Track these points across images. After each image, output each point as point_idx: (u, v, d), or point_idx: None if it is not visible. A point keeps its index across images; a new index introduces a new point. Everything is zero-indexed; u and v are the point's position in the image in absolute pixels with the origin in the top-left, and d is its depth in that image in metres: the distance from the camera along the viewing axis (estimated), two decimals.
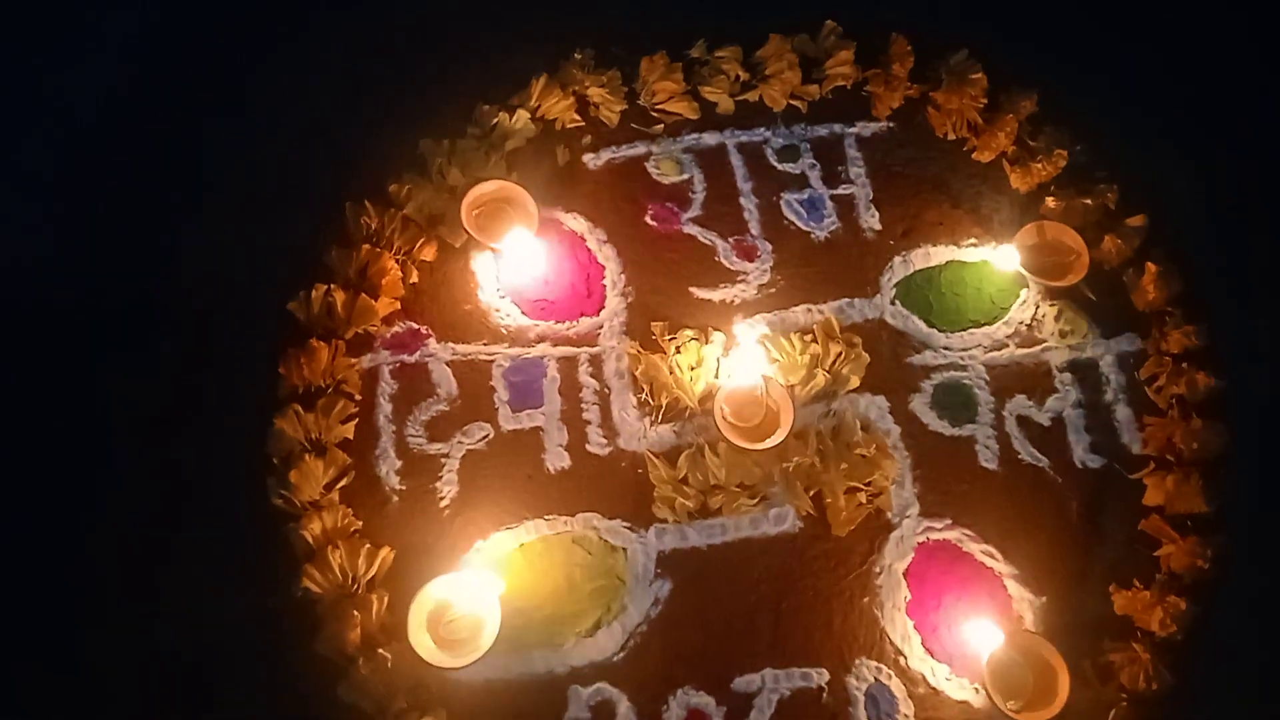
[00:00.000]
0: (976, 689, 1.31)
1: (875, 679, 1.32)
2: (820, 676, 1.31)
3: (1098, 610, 1.36)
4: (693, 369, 1.46)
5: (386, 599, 1.30)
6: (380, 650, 1.26)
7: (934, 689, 1.31)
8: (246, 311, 1.46)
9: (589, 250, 1.56)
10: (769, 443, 1.38)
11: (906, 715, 1.30)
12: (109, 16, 1.72)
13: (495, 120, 1.60)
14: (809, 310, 1.52)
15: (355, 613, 1.27)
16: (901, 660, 1.33)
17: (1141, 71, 1.68)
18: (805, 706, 1.30)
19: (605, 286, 1.53)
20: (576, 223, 1.58)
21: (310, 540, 1.31)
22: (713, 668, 1.31)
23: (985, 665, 1.28)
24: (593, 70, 1.64)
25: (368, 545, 1.32)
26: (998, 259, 1.55)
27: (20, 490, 1.41)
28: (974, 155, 1.64)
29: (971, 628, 1.33)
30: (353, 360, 1.45)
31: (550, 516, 1.38)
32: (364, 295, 1.46)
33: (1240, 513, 1.39)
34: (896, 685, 1.31)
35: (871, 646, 1.33)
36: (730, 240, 1.57)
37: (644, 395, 1.45)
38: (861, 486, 1.40)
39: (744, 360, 1.45)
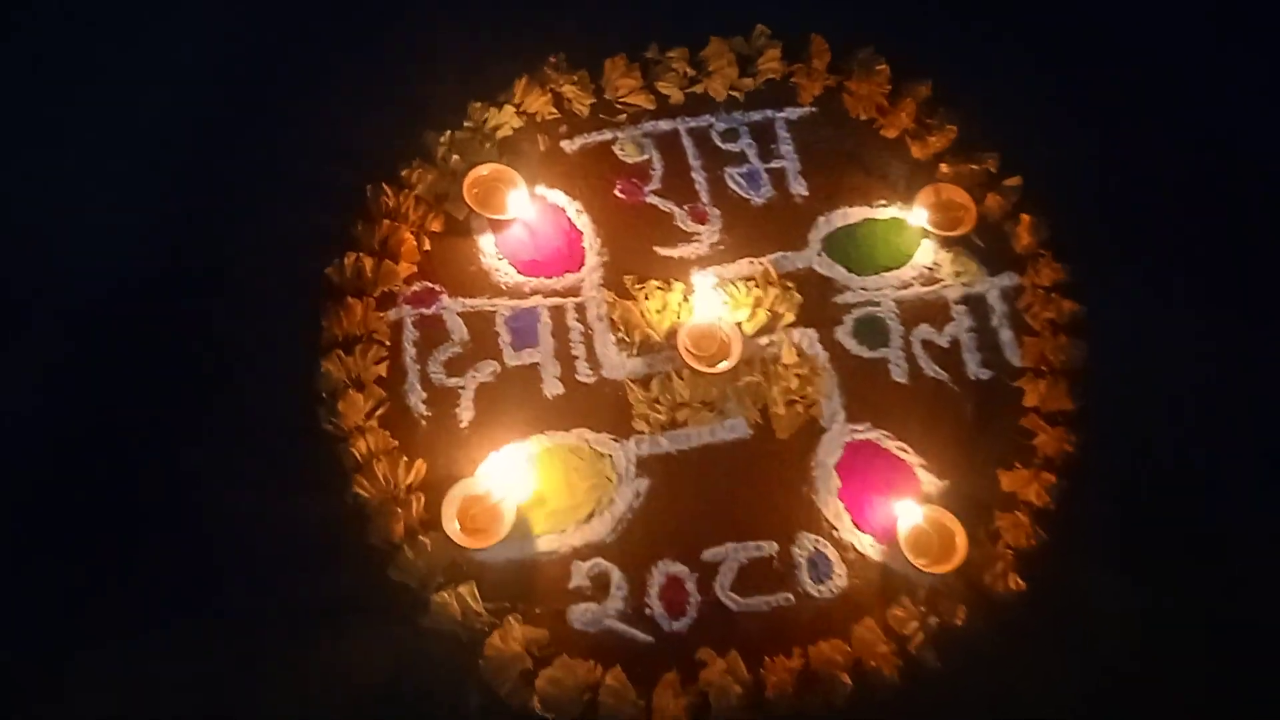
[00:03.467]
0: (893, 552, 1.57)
1: (815, 548, 1.57)
2: (771, 547, 1.56)
3: (988, 488, 1.61)
4: (659, 312, 1.75)
5: (423, 499, 1.59)
6: (420, 538, 1.56)
7: (861, 554, 1.57)
8: (293, 278, 1.71)
9: (569, 220, 1.84)
10: (723, 367, 1.68)
11: (840, 574, 1.56)
12: (177, 41, 1.97)
13: (486, 115, 1.89)
14: (751, 262, 1.80)
15: (398, 510, 1.56)
16: (835, 533, 1.57)
17: (1014, 62, 2.00)
18: (760, 570, 1.55)
19: (585, 249, 1.81)
20: (558, 197, 1.85)
21: (358, 456, 1.59)
22: (685, 543, 1.56)
23: (901, 533, 1.55)
24: (565, 71, 1.94)
25: (405, 458, 1.61)
26: (903, 216, 1.87)
27: (102, 421, 1.64)
28: (881, 132, 1.92)
29: (890, 505, 1.60)
30: (381, 314, 1.71)
31: (550, 432, 1.65)
32: (387, 261, 1.74)
33: (1096, 408, 1.66)
34: (831, 552, 1.56)
35: (811, 523, 1.58)
36: (685, 208, 1.85)
37: (621, 334, 1.74)
38: (799, 399, 1.69)
39: (701, 303, 1.75)
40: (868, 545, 1.59)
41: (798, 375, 1.71)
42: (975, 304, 1.79)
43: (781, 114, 1.95)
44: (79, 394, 1.67)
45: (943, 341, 1.76)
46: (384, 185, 1.77)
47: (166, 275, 1.76)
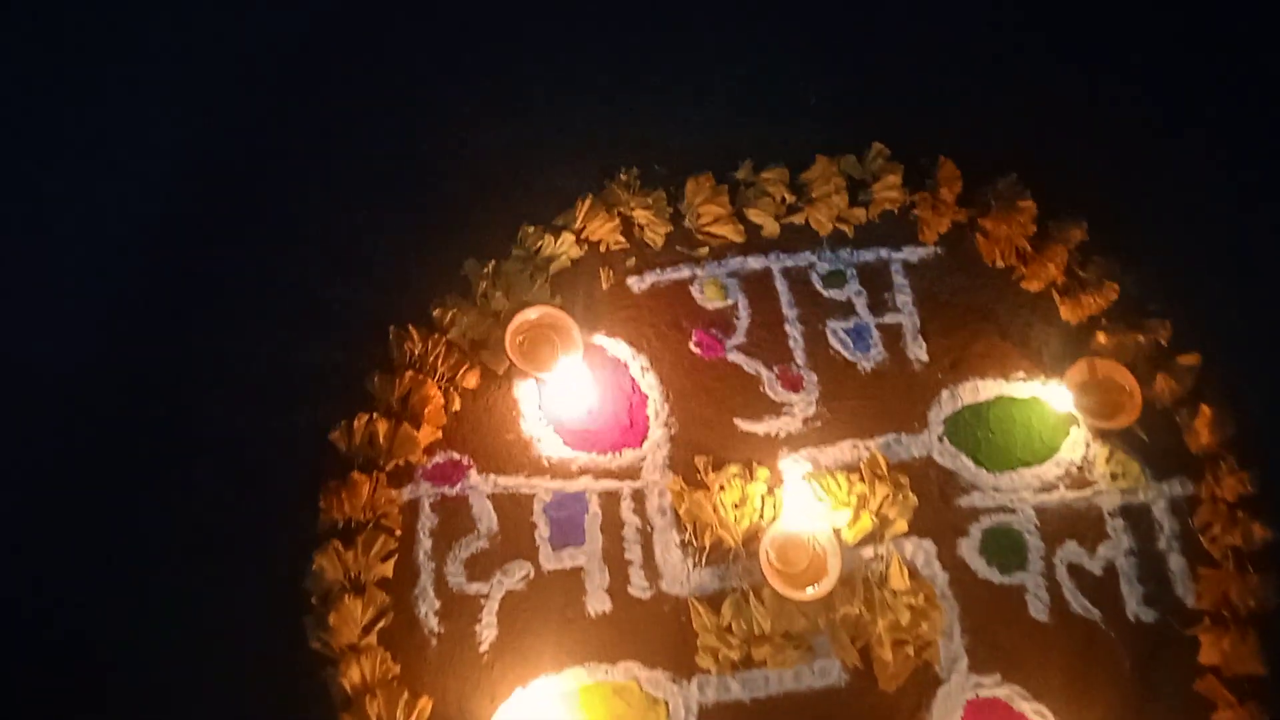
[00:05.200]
0: None
1: None
2: None
3: None
4: (736, 507, 1.43)
5: None
6: None
7: None
8: (286, 439, 1.46)
9: (632, 378, 1.54)
10: (816, 591, 1.36)
11: None
12: (148, 139, 1.73)
13: (540, 242, 1.58)
14: (855, 446, 1.50)
15: None
16: None
17: (1194, 200, 1.66)
18: None
19: (648, 417, 1.51)
20: (620, 349, 1.56)
21: (349, 689, 1.28)
22: None
23: None
24: (638, 191, 1.63)
25: (406, 694, 1.30)
26: (1047, 395, 1.53)
27: (50, 623, 1.39)
28: (1022, 284, 1.61)
29: None
30: (393, 493, 1.43)
31: (591, 664, 1.35)
32: (406, 424, 1.44)
33: None
34: None
35: None
36: (775, 369, 1.55)
37: (687, 535, 1.43)
38: (909, 638, 1.36)
39: (790, 500, 1.42)
40: None
41: (909, 606, 1.38)
42: (1137, 518, 1.47)
43: (899, 255, 1.64)
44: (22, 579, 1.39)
45: (1095, 567, 1.44)
46: (409, 327, 1.51)
47: (119, 430, 1.49)
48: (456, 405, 1.50)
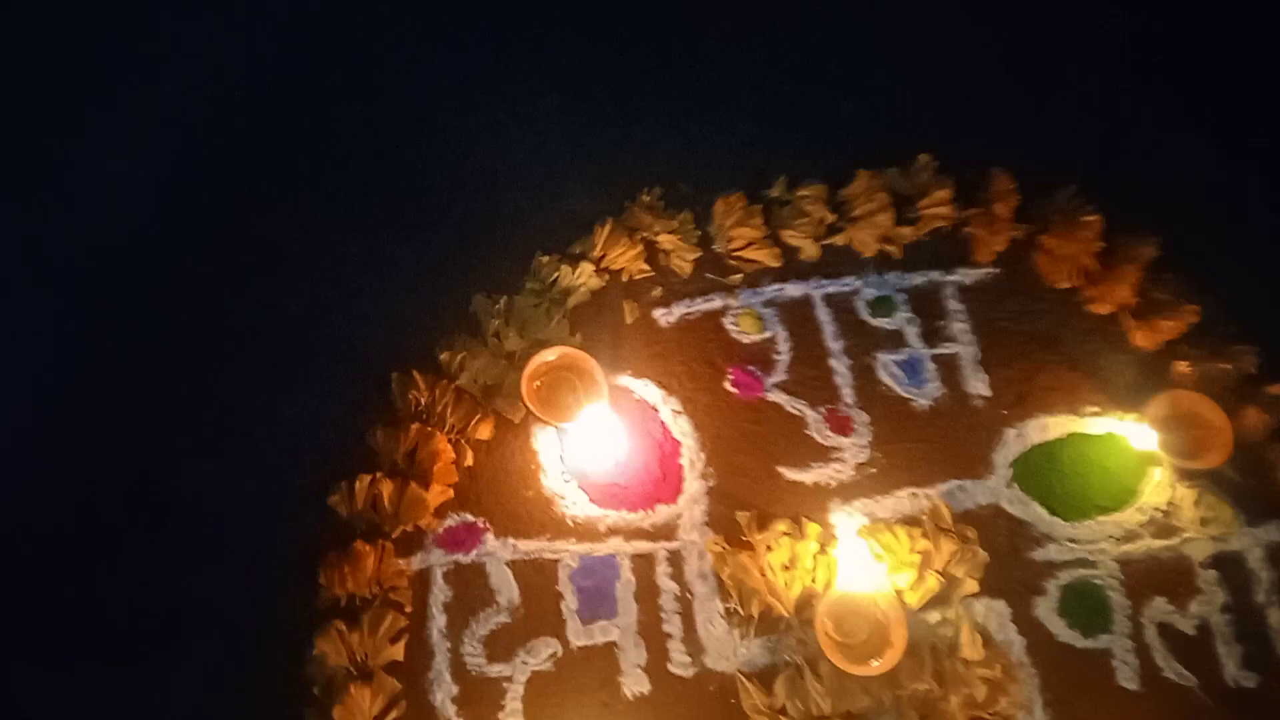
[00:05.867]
0: None
1: None
2: None
3: None
4: (786, 569, 1.28)
5: None
6: None
7: None
8: (277, 506, 1.31)
9: (663, 424, 1.39)
10: (879, 665, 1.21)
11: None
12: (124, 170, 1.59)
13: (556, 273, 1.44)
14: (914, 495, 1.35)
15: None
16: None
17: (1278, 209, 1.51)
18: None
19: (682, 466, 1.36)
20: (648, 390, 1.41)
21: None
22: None
23: None
24: (662, 213, 1.49)
25: None
26: (1124, 431, 1.38)
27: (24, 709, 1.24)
28: (1090, 307, 1.46)
29: None
30: (401, 563, 1.28)
31: None
32: (413, 484, 1.30)
33: None
34: None
35: None
36: (821, 410, 1.40)
37: (732, 603, 1.28)
38: (986, 716, 1.22)
39: (845, 559, 1.28)
40: None
41: (984, 679, 1.23)
42: (1231, 569, 1.33)
43: (952, 277, 1.50)
44: None
45: (1187, 626, 1.30)
46: (414, 373, 1.37)
47: (85, 500, 1.35)
48: (469, 460, 1.36)
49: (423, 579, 1.29)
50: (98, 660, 1.25)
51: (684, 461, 1.37)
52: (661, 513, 1.34)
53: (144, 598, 1.27)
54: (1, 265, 1.52)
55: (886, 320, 1.46)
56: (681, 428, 1.39)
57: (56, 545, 1.30)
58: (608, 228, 1.46)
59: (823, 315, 1.46)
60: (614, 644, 1.26)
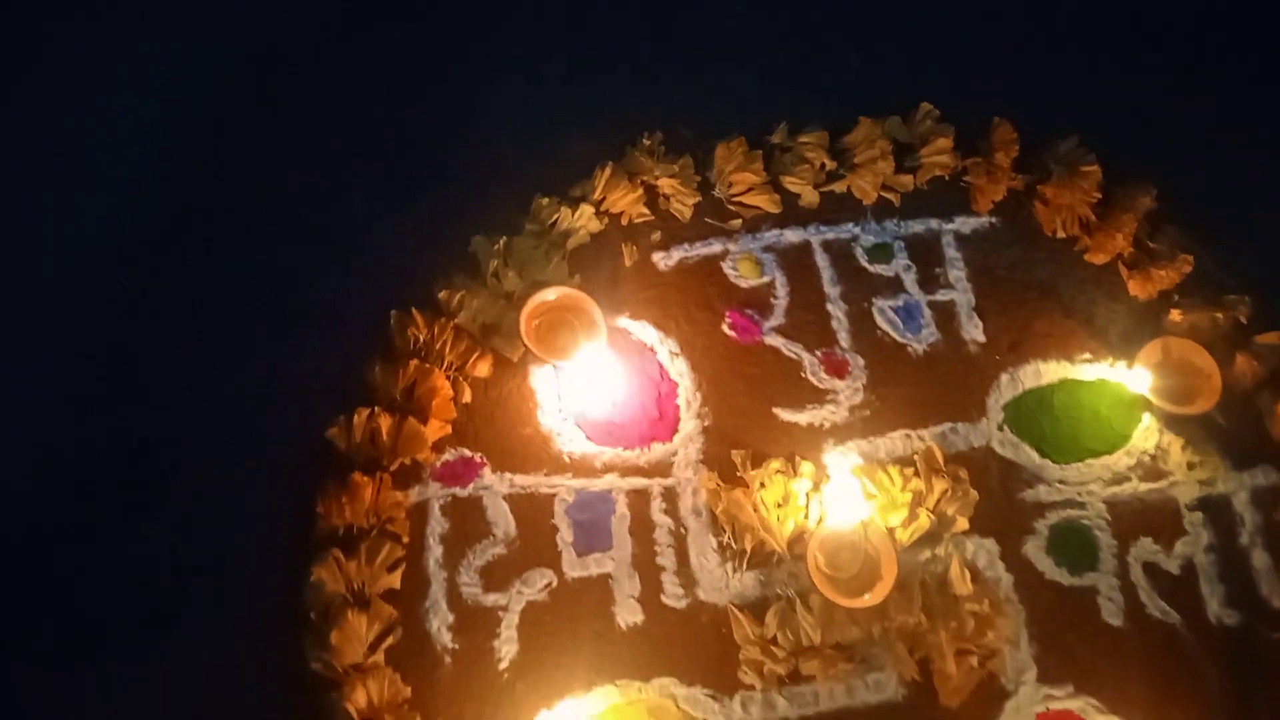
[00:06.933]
0: None
1: None
2: None
3: None
4: (779, 506, 1.30)
5: None
6: None
7: None
8: (278, 441, 1.32)
9: (660, 365, 1.40)
10: (869, 598, 1.23)
11: None
12: (124, 122, 1.58)
13: (555, 215, 1.44)
14: (908, 436, 1.37)
15: None
16: None
17: (1276, 163, 1.52)
18: None
19: (679, 407, 1.38)
20: (645, 332, 1.42)
21: (354, 714, 1.15)
22: None
23: None
24: (662, 158, 1.49)
25: (419, 719, 1.16)
26: (1116, 378, 1.39)
27: (26, 657, 1.25)
28: (1086, 257, 1.48)
29: None
30: (399, 495, 1.29)
31: (622, 682, 1.21)
32: (411, 419, 1.30)
33: None
34: None
35: None
36: (817, 354, 1.41)
37: (725, 537, 1.29)
38: (973, 648, 1.23)
39: (838, 497, 1.29)
40: None
41: (972, 613, 1.24)
42: (1216, 511, 1.35)
43: (951, 225, 1.52)
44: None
45: (1172, 566, 1.32)
46: (413, 311, 1.37)
47: (100, 429, 1.34)
48: (467, 397, 1.36)
49: (420, 511, 1.30)
50: (120, 586, 1.26)
51: (680, 402, 1.38)
52: (657, 450, 1.35)
53: (161, 527, 1.28)
54: (4, 221, 1.52)
55: (884, 267, 1.48)
56: (679, 369, 1.40)
57: (72, 489, 1.31)
58: (608, 171, 1.47)
59: (821, 261, 1.48)
60: (609, 576, 1.27)
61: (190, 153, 1.55)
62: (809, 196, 1.50)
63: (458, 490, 1.32)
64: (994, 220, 1.50)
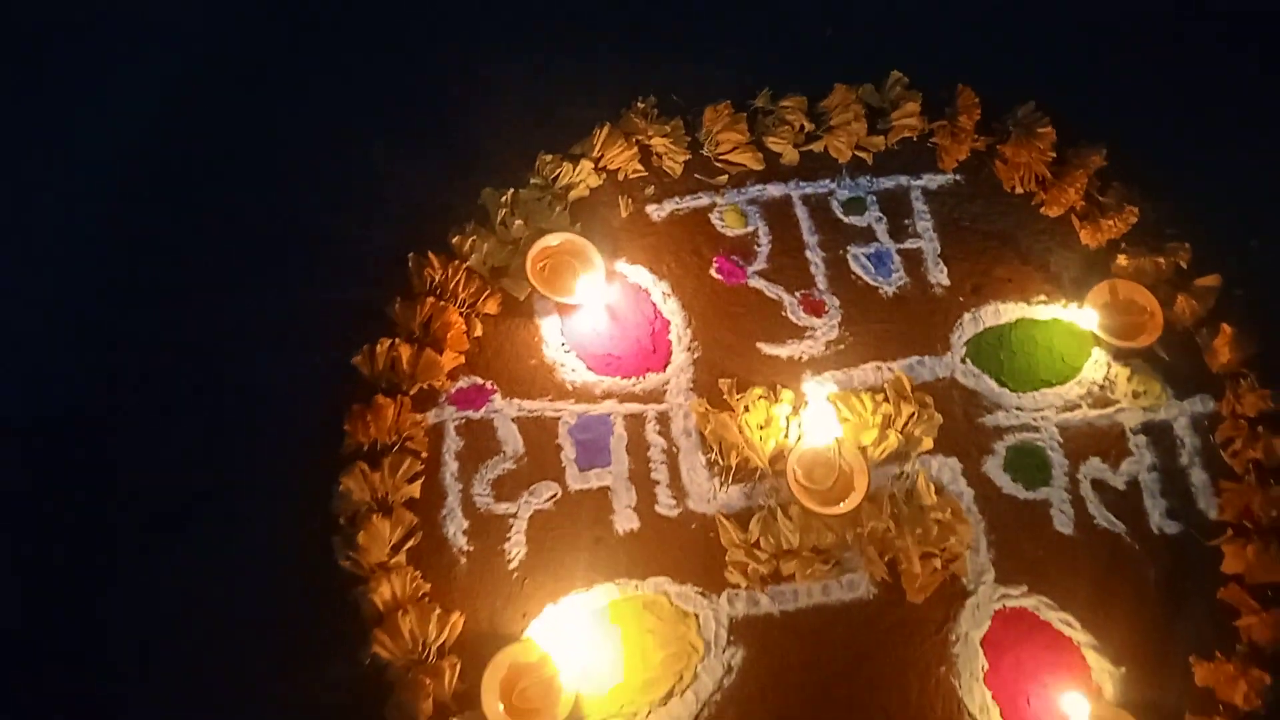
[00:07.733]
0: None
1: None
2: None
3: (1178, 681, 1.31)
4: (762, 428, 1.42)
5: (458, 665, 1.26)
6: (453, 719, 1.23)
7: None
8: (309, 368, 1.43)
9: (654, 304, 1.53)
10: (843, 507, 1.35)
11: None
12: (146, 72, 1.70)
13: (558, 171, 1.57)
14: (879, 368, 1.49)
15: (426, 680, 1.23)
16: None
17: (1213, 124, 1.65)
18: None
19: (671, 342, 1.50)
20: (640, 275, 1.55)
21: (380, 605, 1.27)
22: None
23: None
24: (655, 119, 1.62)
25: (438, 610, 1.28)
26: (1068, 317, 1.53)
27: (73, 564, 1.36)
28: (1042, 210, 1.61)
29: (1051, 698, 1.29)
30: (418, 416, 1.41)
31: (621, 580, 1.34)
32: (428, 349, 1.43)
33: None
34: None
35: (949, 716, 1.29)
36: (797, 295, 1.54)
37: (713, 455, 1.42)
38: (936, 552, 1.36)
39: (815, 420, 1.42)
40: None
41: (936, 520, 1.37)
42: (1159, 435, 1.47)
43: (919, 182, 1.64)
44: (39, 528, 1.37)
45: (1118, 482, 1.44)
46: (429, 254, 1.49)
47: (141, 360, 1.46)
48: (478, 331, 1.49)
49: (437, 431, 1.42)
50: (142, 490, 1.38)
51: (672, 337, 1.50)
52: (651, 380, 1.47)
53: (207, 445, 1.41)
54: (32, 164, 1.62)
55: (858, 218, 1.60)
56: (670, 308, 1.52)
57: (119, 414, 1.43)
58: (605, 131, 1.59)
59: (800, 213, 1.60)
60: (608, 488, 1.39)
61: (226, 104, 1.66)
62: (789, 155, 1.63)
63: (471, 413, 1.44)
64: (958, 177, 1.63)
